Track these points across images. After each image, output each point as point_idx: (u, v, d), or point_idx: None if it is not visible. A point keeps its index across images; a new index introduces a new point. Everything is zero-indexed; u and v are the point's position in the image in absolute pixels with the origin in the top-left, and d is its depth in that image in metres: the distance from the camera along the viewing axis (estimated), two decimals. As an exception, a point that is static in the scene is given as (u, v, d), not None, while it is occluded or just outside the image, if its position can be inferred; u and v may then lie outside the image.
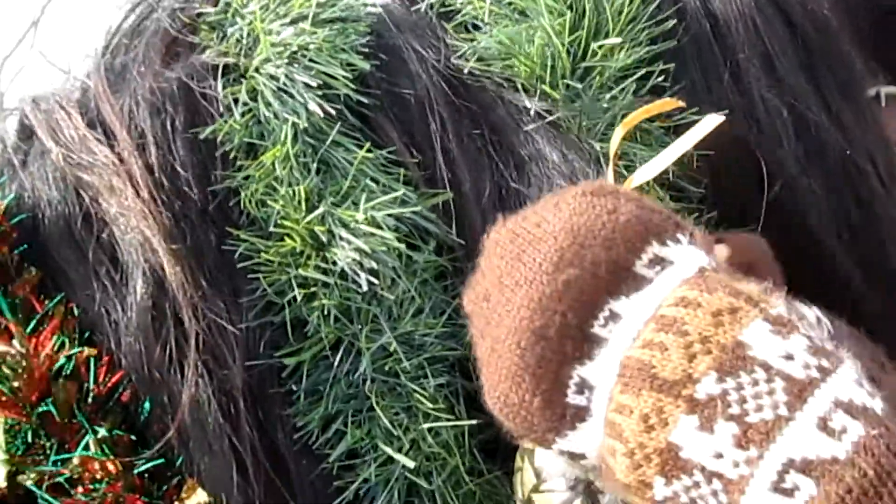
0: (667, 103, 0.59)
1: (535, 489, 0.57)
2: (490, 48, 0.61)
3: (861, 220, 0.64)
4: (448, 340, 0.59)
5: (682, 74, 0.62)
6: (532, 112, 0.60)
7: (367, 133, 0.60)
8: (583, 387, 0.48)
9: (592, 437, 0.48)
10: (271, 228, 0.58)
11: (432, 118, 0.60)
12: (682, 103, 0.59)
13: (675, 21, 0.62)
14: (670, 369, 0.45)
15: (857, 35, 0.70)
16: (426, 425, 0.58)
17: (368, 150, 0.59)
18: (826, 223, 0.64)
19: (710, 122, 0.56)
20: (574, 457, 0.49)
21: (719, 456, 0.44)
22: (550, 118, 0.60)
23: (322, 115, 0.59)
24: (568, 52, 0.60)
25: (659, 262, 0.49)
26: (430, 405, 0.58)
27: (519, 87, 0.61)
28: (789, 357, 0.44)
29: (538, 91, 0.60)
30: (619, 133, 0.57)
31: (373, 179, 0.58)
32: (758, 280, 0.49)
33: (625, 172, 0.58)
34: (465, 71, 0.61)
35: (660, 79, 0.61)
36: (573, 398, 0.48)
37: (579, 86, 0.60)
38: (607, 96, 0.60)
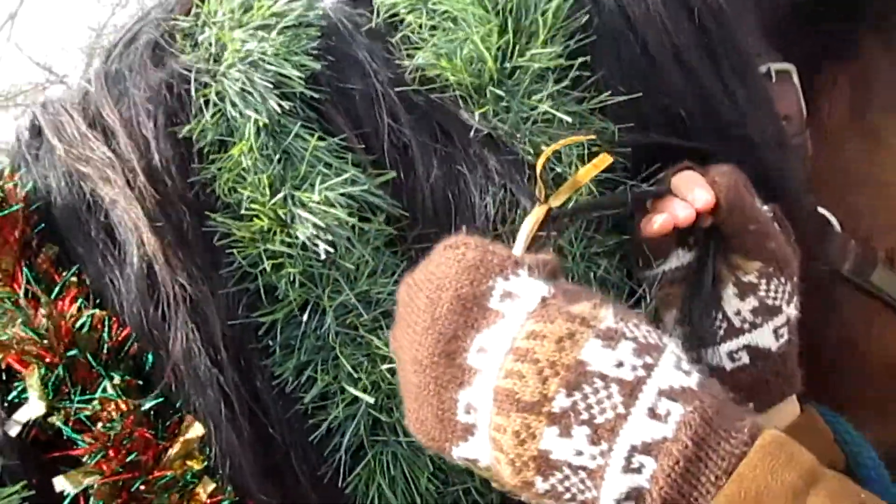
0: (578, 139, 0.67)
1: None
2: (427, 61, 0.68)
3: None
4: (401, 296, 0.69)
5: (601, 64, 0.69)
6: (471, 124, 0.68)
7: (321, 124, 0.68)
8: (469, 408, 0.57)
9: (481, 446, 0.57)
10: (242, 211, 0.67)
11: (381, 110, 0.68)
12: (591, 137, 0.68)
13: (591, 15, 0.69)
14: (529, 392, 0.55)
15: (756, 18, 0.77)
16: (385, 366, 0.67)
17: (321, 139, 0.67)
18: None
19: (603, 161, 0.66)
20: (469, 461, 0.59)
21: (580, 453, 0.54)
22: (484, 132, 0.67)
23: (280, 110, 0.67)
24: (495, 56, 0.67)
25: (508, 296, 0.57)
26: (387, 350, 0.67)
27: (457, 97, 0.68)
28: (619, 364, 0.54)
29: (469, 99, 0.67)
30: (545, 155, 0.65)
31: (326, 164, 0.67)
32: (594, 296, 0.58)
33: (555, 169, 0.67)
34: (414, 79, 0.68)
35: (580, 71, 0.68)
36: (462, 417, 0.58)
37: (503, 93, 0.66)
38: (533, 98, 0.67)
